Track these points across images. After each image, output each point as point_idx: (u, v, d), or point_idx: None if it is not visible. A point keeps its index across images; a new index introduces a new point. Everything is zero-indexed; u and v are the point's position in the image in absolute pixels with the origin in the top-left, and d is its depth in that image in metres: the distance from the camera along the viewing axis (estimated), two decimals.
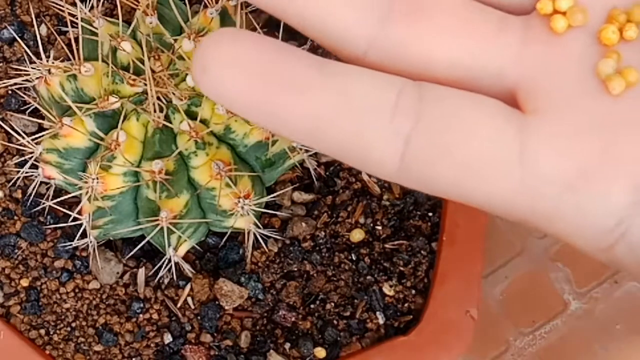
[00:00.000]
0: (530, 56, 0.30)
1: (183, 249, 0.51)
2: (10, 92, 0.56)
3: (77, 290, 0.54)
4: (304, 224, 0.55)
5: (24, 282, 0.54)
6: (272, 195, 0.52)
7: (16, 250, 0.54)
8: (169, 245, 0.49)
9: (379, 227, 0.56)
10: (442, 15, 0.29)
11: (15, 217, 0.55)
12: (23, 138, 0.48)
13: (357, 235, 0.56)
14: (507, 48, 0.30)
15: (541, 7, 0.30)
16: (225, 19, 0.49)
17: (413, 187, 0.29)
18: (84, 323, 0.54)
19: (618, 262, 0.29)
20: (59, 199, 0.50)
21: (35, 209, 0.54)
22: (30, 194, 0.54)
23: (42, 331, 0.54)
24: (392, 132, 0.28)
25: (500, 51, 0.30)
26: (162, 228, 0.47)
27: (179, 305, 0.54)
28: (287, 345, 0.54)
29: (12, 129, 0.53)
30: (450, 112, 0.28)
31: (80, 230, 0.50)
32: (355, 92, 0.28)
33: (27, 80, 0.49)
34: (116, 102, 0.47)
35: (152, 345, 0.54)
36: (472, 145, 0.28)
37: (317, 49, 0.58)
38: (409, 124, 0.28)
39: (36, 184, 0.51)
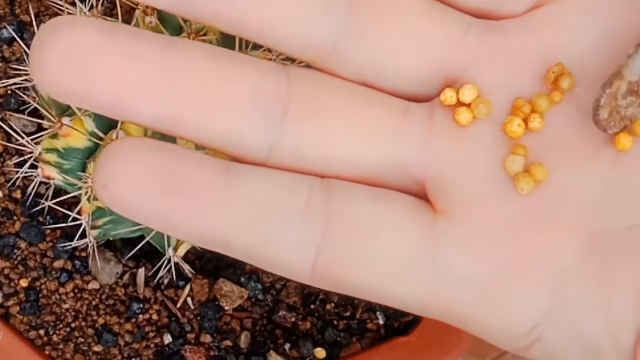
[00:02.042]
0: (436, 150, 0.28)
1: (183, 249, 0.51)
2: (9, 91, 0.56)
3: (76, 291, 0.54)
4: None
5: (23, 283, 0.54)
6: None
7: (15, 251, 0.54)
8: (169, 246, 0.49)
9: None
10: (340, 111, 0.28)
11: (15, 217, 0.55)
12: (22, 138, 0.48)
13: None
14: (412, 141, 0.28)
15: (444, 98, 0.29)
16: None
17: (328, 289, 0.28)
18: (83, 323, 0.54)
19: None
20: (58, 199, 0.50)
21: (34, 209, 0.54)
22: (30, 194, 0.54)
23: (42, 331, 0.54)
24: (302, 241, 0.27)
25: (405, 145, 0.28)
26: None
27: (178, 305, 0.54)
28: (287, 346, 0.54)
29: (12, 128, 0.53)
30: (359, 214, 0.27)
31: (80, 231, 0.50)
32: (262, 198, 0.27)
33: (26, 80, 0.49)
34: None
35: (151, 345, 0.54)
36: (382, 251, 0.27)
37: None
38: (318, 231, 0.27)
39: (35, 184, 0.51)
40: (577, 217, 0.28)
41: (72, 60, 0.25)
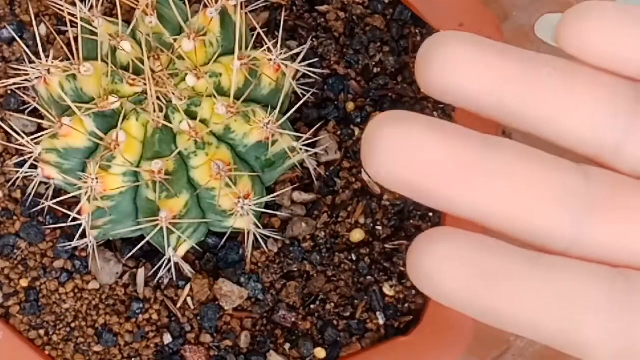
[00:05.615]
0: None
1: (183, 249, 0.51)
2: (9, 92, 0.56)
3: (76, 291, 0.54)
4: (304, 224, 0.55)
5: (24, 283, 0.54)
6: (272, 196, 0.52)
7: (15, 251, 0.54)
8: (169, 246, 0.49)
9: (379, 227, 0.56)
10: (637, 209, 0.30)
11: (15, 217, 0.55)
12: (22, 138, 0.48)
13: (357, 235, 0.56)
14: None
15: None
16: (225, 19, 0.49)
17: None
18: (83, 323, 0.54)
19: None
20: (58, 199, 0.50)
21: (34, 209, 0.54)
22: (30, 194, 0.54)
23: (42, 331, 0.54)
24: (607, 327, 0.28)
25: None
26: (161, 228, 0.47)
27: (178, 305, 0.54)
28: (287, 346, 0.54)
29: (12, 128, 0.53)
30: None
31: (80, 231, 0.50)
32: (568, 287, 0.29)
33: (26, 80, 0.49)
34: (116, 102, 0.47)
35: (151, 345, 0.54)
36: None
37: (316, 49, 0.58)
38: (624, 318, 0.28)
39: (35, 184, 0.51)
40: None
41: (401, 152, 0.28)
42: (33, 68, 0.48)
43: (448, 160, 0.28)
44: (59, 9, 0.49)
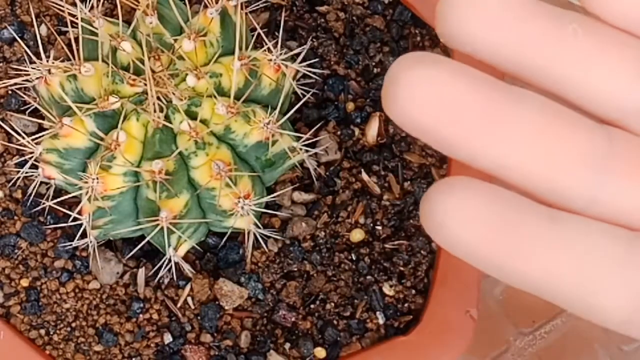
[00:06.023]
0: None
1: (183, 249, 0.51)
2: (10, 92, 0.56)
3: (77, 291, 0.54)
4: (304, 224, 0.55)
5: (24, 282, 0.54)
6: (272, 195, 0.52)
7: (16, 251, 0.54)
8: (169, 245, 0.49)
9: (379, 227, 0.56)
10: None
11: (15, 217, 0.55)
12: (23, 138, 0.48)
13: (357, 235, 0.56)
14: None
15: None
16: (225, 19, 0.49)
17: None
18: (84, 323, 0.54)
19: None
20: (59, 199, 0.50)
21: (35, 209, 0.54)
22: (30, 194, 0.54)
23: (42, 331, 0.54)
24: (623, 286, 0.28)
25: None
26: (162, 228, 0.47)
27: (179, 305, 0.54)
28: (287, 345, 0.54)
29: (12, 129, 0.53)
30: None
31: (81, 231, 0.50)
32: (585, 245, 0.28)
33: (27, 81, 0.49)
34: (116, 102, 0.47)
35: (152, 345, 0.54)
36: None
37: (316, 50, 0.58)
38: (638, 279, 0.28)
39: (36, 184, 0.51)
40: None
41: (424, 96, 0.27)
42: (34, 68, 0.48)
43: (473, 107, 0.27)
44: (60, 10, 0.49)
